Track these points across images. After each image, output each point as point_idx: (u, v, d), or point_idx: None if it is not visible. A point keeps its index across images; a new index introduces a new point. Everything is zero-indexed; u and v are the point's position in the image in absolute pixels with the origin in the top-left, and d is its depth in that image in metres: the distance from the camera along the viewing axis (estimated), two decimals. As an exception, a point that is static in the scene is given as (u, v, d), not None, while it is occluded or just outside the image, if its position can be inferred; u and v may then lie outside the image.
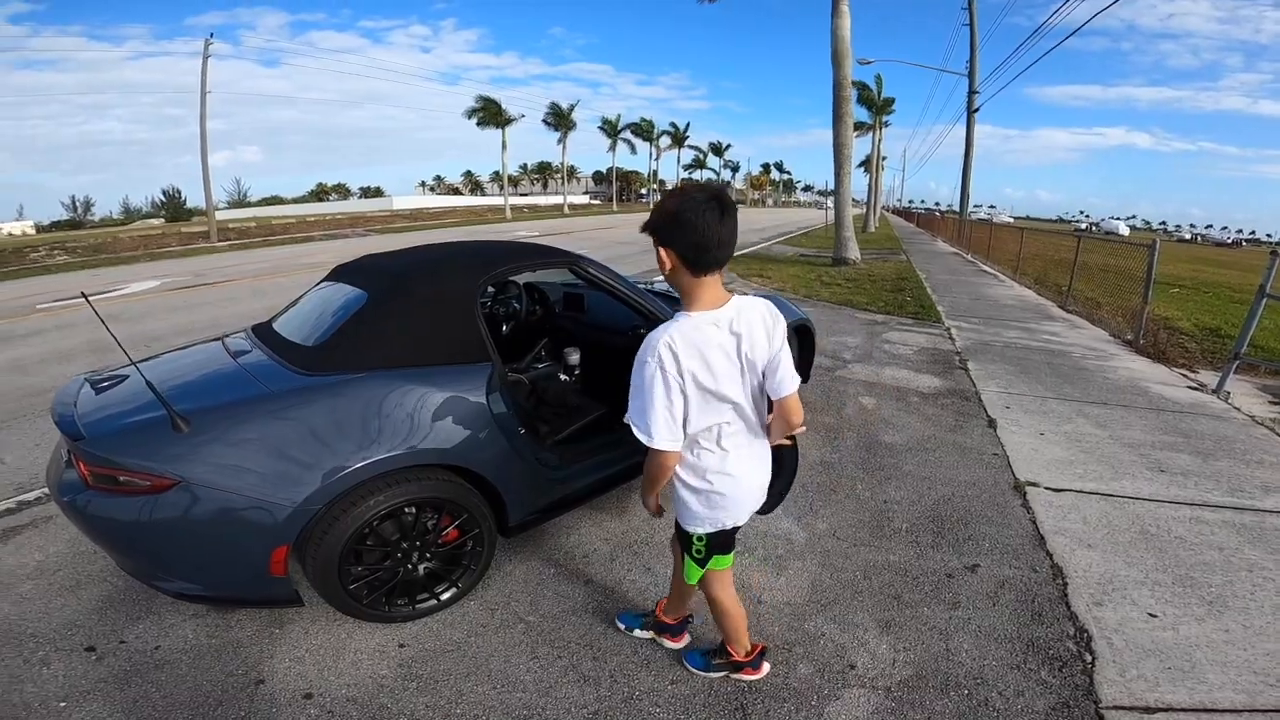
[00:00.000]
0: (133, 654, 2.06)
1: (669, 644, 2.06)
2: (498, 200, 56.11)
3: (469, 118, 40.80)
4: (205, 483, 1.75)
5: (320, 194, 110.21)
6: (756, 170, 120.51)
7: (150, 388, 1.82)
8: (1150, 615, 2.26)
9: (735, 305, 1.46)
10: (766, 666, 1.95)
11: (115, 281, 13.65)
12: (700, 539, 1.64)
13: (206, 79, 24.60)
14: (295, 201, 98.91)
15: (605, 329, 3.42)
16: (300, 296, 2.76)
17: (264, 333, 2.49)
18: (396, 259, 2.60)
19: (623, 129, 57.67)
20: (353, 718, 1.80)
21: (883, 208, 50.61)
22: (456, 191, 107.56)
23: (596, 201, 78.66)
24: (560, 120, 47.24)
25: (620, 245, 16.87)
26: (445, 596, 2.25)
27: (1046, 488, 3.28)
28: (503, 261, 2.48)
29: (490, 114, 40.65)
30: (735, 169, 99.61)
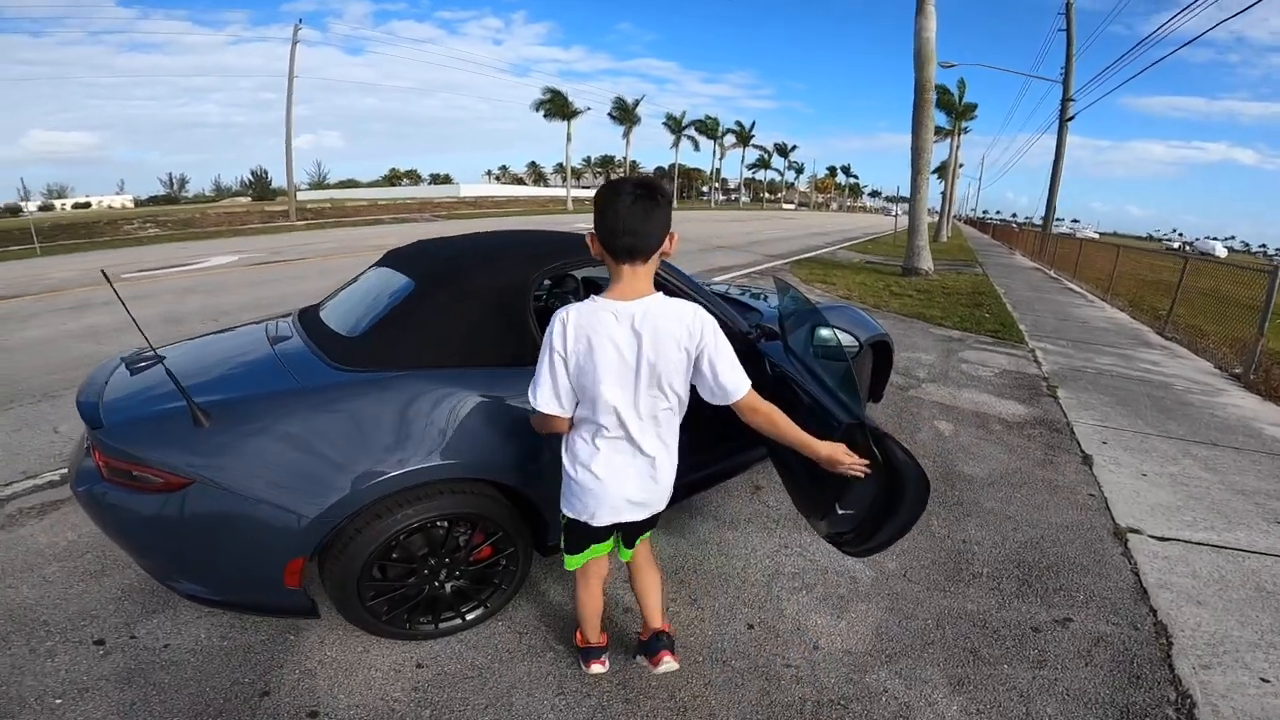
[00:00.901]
0: (141, 651, 1.96)
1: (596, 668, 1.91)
2: (560, 192, 56.74)
3: (536, 109, 41.98)
4: (222, 484, 1.60)
5: (393, 179, 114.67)
6: (822, 173, 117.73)
7: (170, 377, 1.67)
8: (1263, 680, 2.01)
9: (646, 304, 1.41)
10: (595, 667, 1.87)
11: (198, 255, 14.38)
12: (564, 519, 1.66)
13: (294, 64, 25.67)
14: (370, 185, 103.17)
15: None
16: (353, 279, 2.62)
17: (309, 319, 2.35)
18: (448, 246, 2.39)
19: (687, 126, 57.33)
20: (358, 746, 1.62)
21: (954, 217, 48.39)
22: (520, 182, 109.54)
23: (657, 198, 78.02)
24: (625, 114, 47.45)
25: (680, 241, 16.52)
26: (471, 616, 2.06)
27: (1151, 536, 2.88)
28: (560, 254, 2.23)
29: (556, 106, 41.61)
30: (800, 170, 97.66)
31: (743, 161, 74.80)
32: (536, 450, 1.93)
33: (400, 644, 1.99)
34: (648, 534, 1.74)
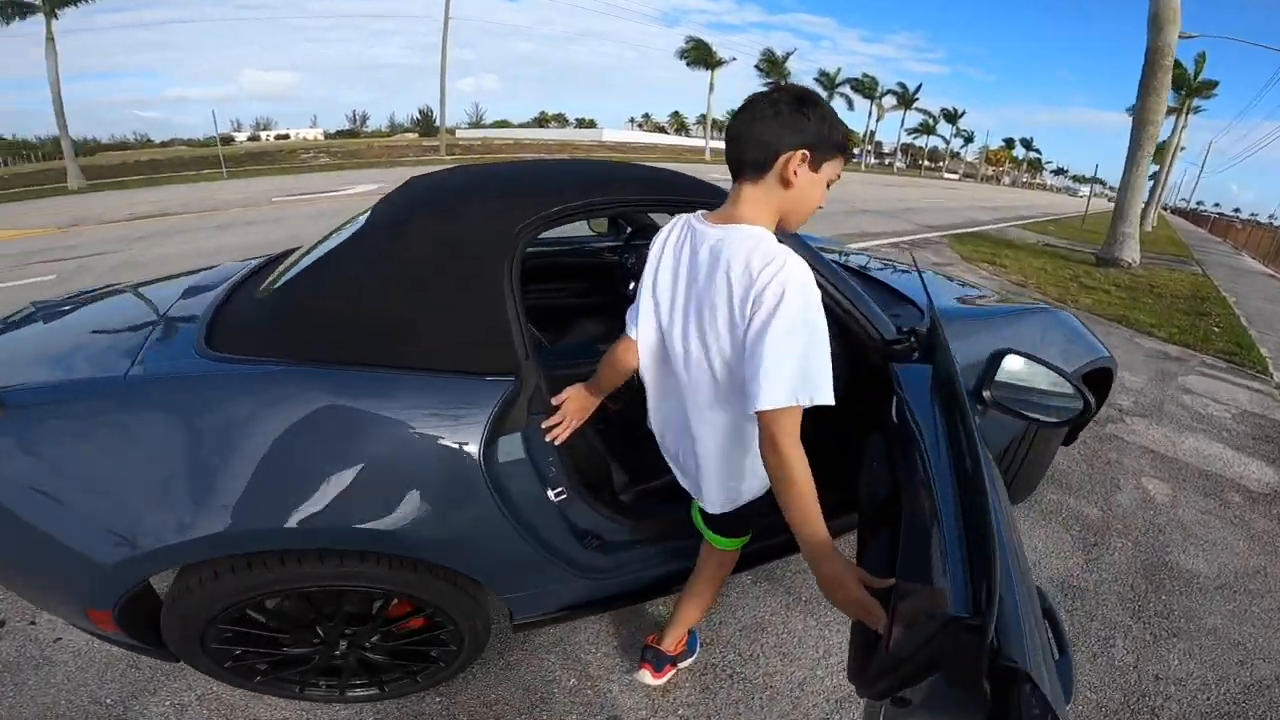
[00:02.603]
0: (28, 643, 1.65)
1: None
2: (700, 143, 55.21)
3: (679, 58, 41.01)
4: (5, 506, 1.08)
5: (542, 121, 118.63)
6: (997, 144, 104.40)
7: None
8: None
9: (727, 231, 1.04)
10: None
11: (349, 183, 15.27)
12: None
13: (449, 7, 26.72)
14: (520, 126, 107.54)
15: None
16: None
17: (263, 268, 1.77)
18: (440, 178, 1.60)
19: (841, 84, 52.80)
20: None
21: (1160, 206, 40.77)
22: (662, 130, 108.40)
23: (803, 157, 73.90)
24: (773, 68, 44.96)
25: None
26: (394, 687, 1.53)
27: None
28: (578, 193, 1.37)
29: (700, 55, 40.44)
30: (969, 139, 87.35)
31: (902, 125, 68.07)
32: (478, 511, 1.25)
33: (299, 706, 1.52)
34: (709, 534, 1.39)
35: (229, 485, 1.09)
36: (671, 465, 1.35)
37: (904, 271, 2.75)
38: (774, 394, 0.90)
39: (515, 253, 1.26)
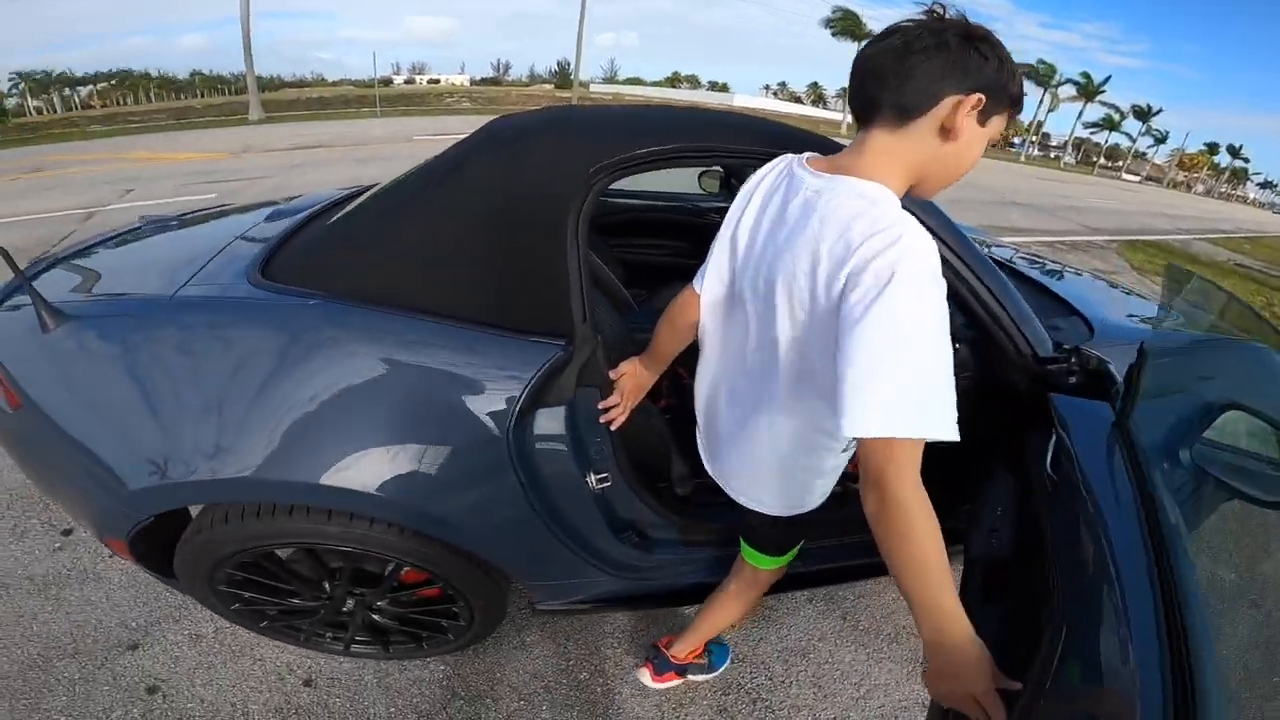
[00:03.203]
0: (86, 554, 1.76)
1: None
2: (837, 115, 52.24)
3: (824, 26, 39.34)
4: (48, 415, 1.06)
5: (674, 81, 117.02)
6: (1195, 148, 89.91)
7: (11, 264, 1.07)
8: None
9: (837, 183, 0.79)
10: None
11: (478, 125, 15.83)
12: None
13: None
14: (653, 85, 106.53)
15: None
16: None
17: (349, 199, 1.67)
18: (521, 116, 1.35)
19: (1010, 68, 48.01)
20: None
21: None
22: (799, 100, 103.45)
23: (953, 140, 67.82)
24: None
25: (966, 189, 13.59)
26: (398, 650, 1.45)
27: None
28: (663, 137, 1.11)
29: (847, 26, 38.54)
30: (1161, 140, 75.83)
31: (1079, 117, 60.12)
32: (501, 491, 1.10)
33: (304, 652, 1.50)
34: (743, 543, 1.17)
35: (242, 425, 1.02)
36: (703, 451, 1.14)
37: (1068, 275, 2.26)
38: (867, 417, 0.66)
39: (585, 200, 1.06)
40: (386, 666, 1.50)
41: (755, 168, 0.99)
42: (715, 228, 2.76)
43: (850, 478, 0.91)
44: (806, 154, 0.90)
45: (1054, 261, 2.60)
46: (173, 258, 1.41)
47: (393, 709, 1.42)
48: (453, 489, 1.09)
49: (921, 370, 0.67)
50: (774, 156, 1.11)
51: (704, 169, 2.97)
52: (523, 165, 1.07)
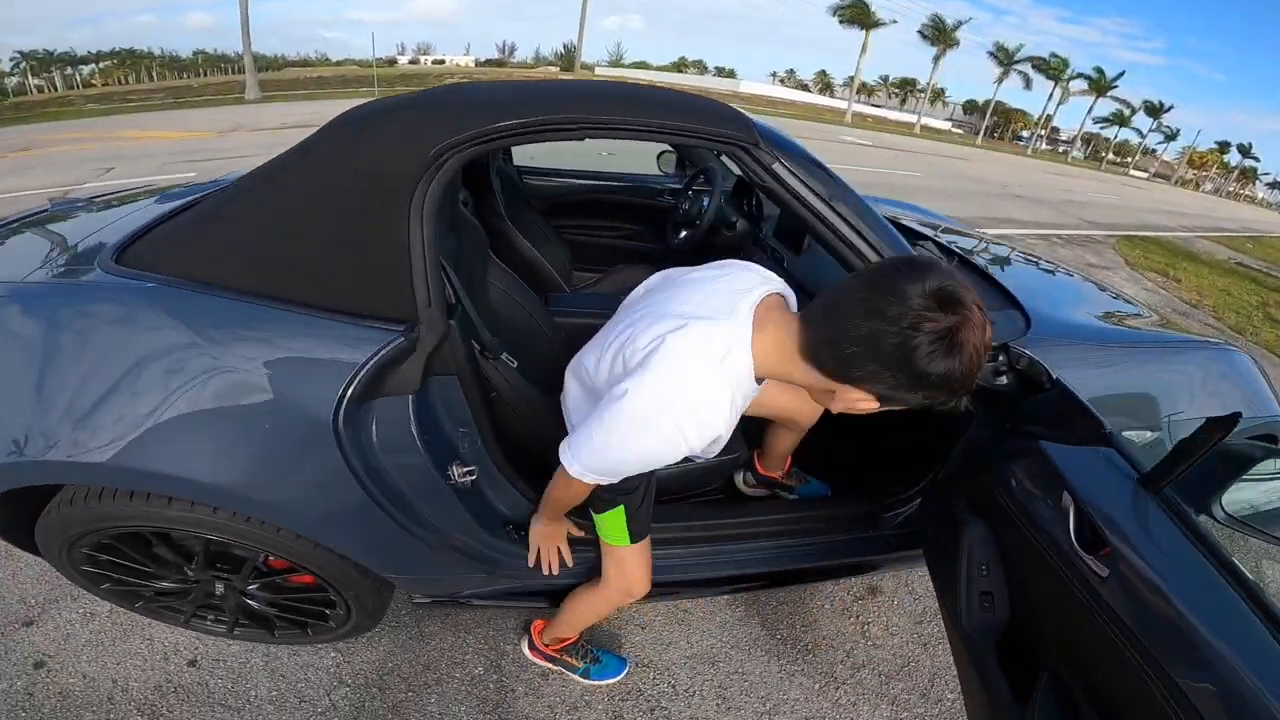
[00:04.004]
0: None
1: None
2: (842, 104, 51.63)
3: (832, 14, 39.12)
4: None
5: (680, 66, 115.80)
6: (1206, 146, 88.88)
7: None
8: None
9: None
10: None
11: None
12: None
13: None
14: (659, 69, 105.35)
15: (815, 294, 1.82)
16: None
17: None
18: (388, 97, 1.28)
19: (1020, 60, 47.05)
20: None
21: None
22: (805, 88, 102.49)
23: (959, 131, 67.14)
24: (940, 35, 41.38)
25: (964, 180, 13.39)
26: (283, 635, 1.41)
27: None
28: (528, 110, 1.02)
29: (856, 14, 38.36)
30: (1172, 137, 75.08)
31: (1089, 112, 59.29)
32: (334, 481, 1.03)
33: (197, 634, 1.47)
34: (596, 519, 1.17)
35: (70, 410, 0.96)
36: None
37: (1029, 267, 2.17)
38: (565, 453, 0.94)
39: (433, 179, 0.98)
40: (276, 650, 1.45)
41: (654, 140, 1.04)
42: (668, 209, 2.67)
43: None
44: (765, 291, 0.89)
45: (1029, 256, 2.50)
46: (48, 243, 1.36)
47: (275, 692, 1.37)
48: (282, 477, 1.03)
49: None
50: (651, 125, 1.06)
51: (661, 150, 2.89)
52: (366, 145, 1.01)
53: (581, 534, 1.23)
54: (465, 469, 1.11)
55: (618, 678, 1.47)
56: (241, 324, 0.98)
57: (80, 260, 1.14)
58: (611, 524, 1.11)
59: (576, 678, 1.45)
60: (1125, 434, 1.07)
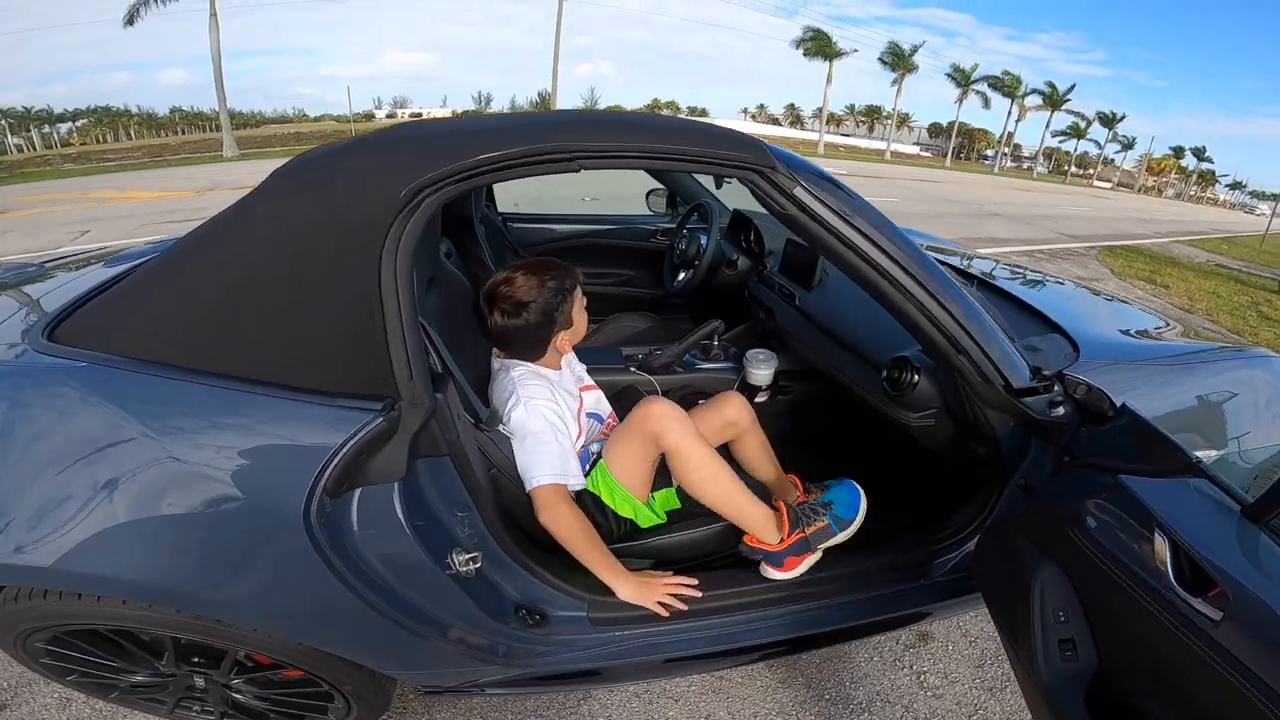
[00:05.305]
0: None
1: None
2: (814, 135, 53.04)
3: (795, 47, 40.00)
4: None
5: (653, 108, 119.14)
6: (1161, 153, 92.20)
7: None
8: None
9: None
10: None
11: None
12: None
13: None
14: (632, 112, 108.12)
15: (837, 335, 1.70)
16: None
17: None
18: (338, 143, 1.13)
19: (976, 80, 48.83)
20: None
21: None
22: (776, 122, 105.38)
23: (926, 154, 69.11)
24: (898, 60, 42.85)
25: (942, 203, 13.62)
26: None
27: None
28: (507, 140, 0.89)
29: (818, 46, 39.38)
30: (1128, 146, 77.89)
31: (1047, 127, 61.41)
32: (312, 579, 0.89)
33: None
34: None
35: (3, 504, 0.83)
36: None
37: (1048, 285, 2.10)
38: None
39: (405, 225, 0.84)
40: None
41: (639, 165, 0.96)
42: (663, 250, 2.54)
43: None
44: None
45: (1033, 270, 2.43)
46: None
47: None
48: (250, 576, 0.89)
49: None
50: (653, 151, 0.95)
51: (650, 189, 2.81)
52: (321, 192, 0.87)
53: (653, 569, 1.26)
54: (467, 556, 0.97)
55: (861, 503, 1.29)
56: (184, 407, 0.84)
57: (10, 337, 0.99)
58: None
59: (841, 535, 1.26)
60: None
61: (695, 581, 1.20)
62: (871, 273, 1.04)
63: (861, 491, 1.31)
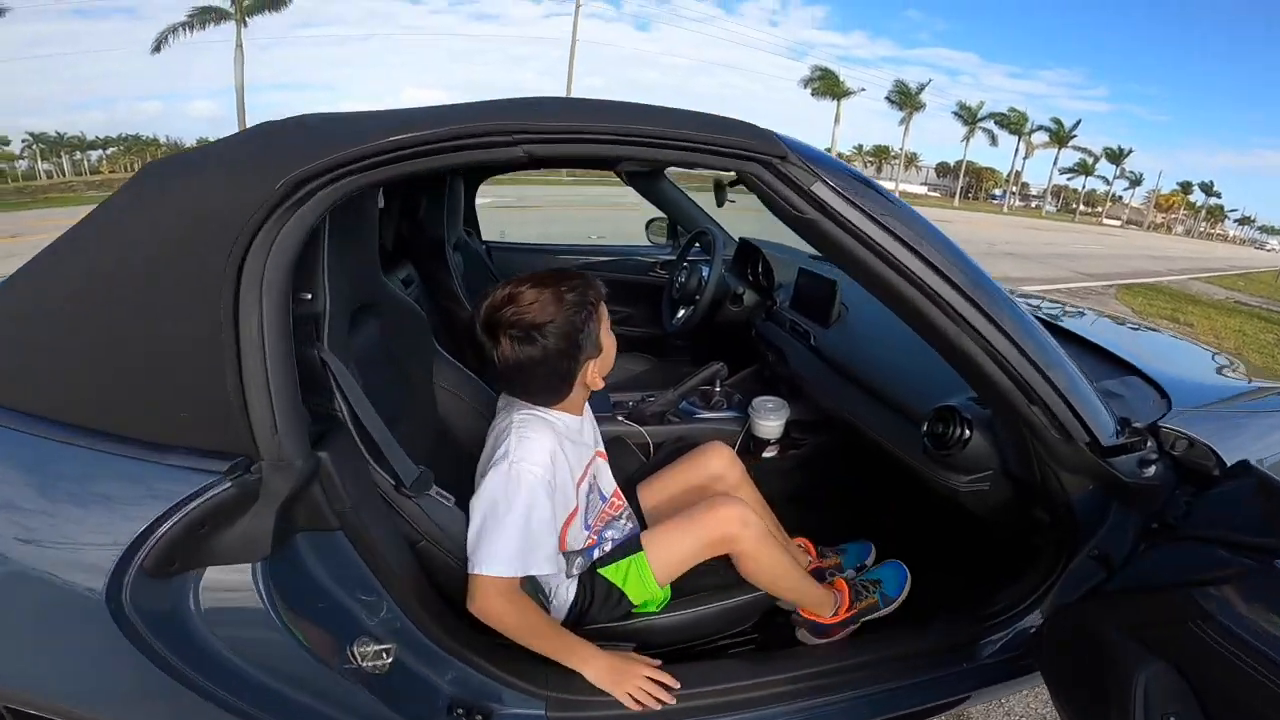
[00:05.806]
0: None
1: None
2: (824, 175, 53.92)
3: (804, 87, 40.87)
4: None
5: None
6: (1169, 189, 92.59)
7: None
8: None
9: None
10: None
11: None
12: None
13: (576, 31, 28.37)
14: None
15: (862, 380, 1.53)
16: None
17: None
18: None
19: (983, 118, 49.53)
20: None
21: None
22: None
23: (935, 194, 69.70)
24: (906, 99, 43.60)
25: (956, 242, 13.50)
26: None
27: None
28: (394, 127, 0.69)
29: (827, 86, 40.22)
30: (1136, 182, 78.25)
31: (1054, 164, 61.89)
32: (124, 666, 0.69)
33: None
34: None
35: None
36: None
37: (1102, 319, 1.91)
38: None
39: (281, 226, 0.66)
40: None
41: (572, 152, 0.79)
42: (661, 285, 2.29)
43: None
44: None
45: (1073, 306, 2.23)
46: None
47: None
48: (56, 661, 0.70)
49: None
50: (623, 134, 0.76)
51: (651, 219, 2.66)
52: (173, 194, 0.70)
53: (633, 650, 1.05)
54: (377, 647, 0.77)
55: (907, 582, 1.29)
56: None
57: None
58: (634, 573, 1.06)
59: (884, 611, 1.26)
60: None
61: (677, 684, 0.98)
62: (917, 296, 0.85)
63: (907, 570, 1.28)
